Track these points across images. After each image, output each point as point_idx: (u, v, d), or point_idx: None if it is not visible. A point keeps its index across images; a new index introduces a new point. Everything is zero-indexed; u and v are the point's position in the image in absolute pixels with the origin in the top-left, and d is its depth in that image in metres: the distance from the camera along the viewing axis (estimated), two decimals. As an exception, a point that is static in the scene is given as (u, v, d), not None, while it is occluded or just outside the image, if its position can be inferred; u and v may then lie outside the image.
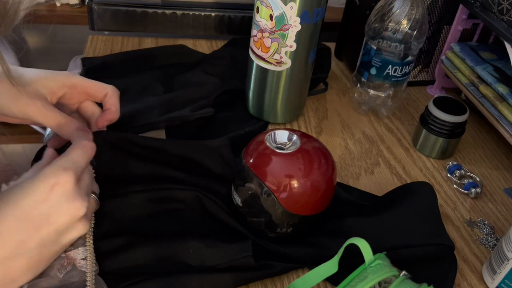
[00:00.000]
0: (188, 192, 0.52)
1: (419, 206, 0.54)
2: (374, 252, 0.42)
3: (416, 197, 0.55)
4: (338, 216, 0.54)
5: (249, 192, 0.49)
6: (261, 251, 0.49)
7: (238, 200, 0.51)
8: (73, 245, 0.45)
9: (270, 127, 0.71)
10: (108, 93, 0.57)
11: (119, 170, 0.53)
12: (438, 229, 0.52)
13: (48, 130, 0.64)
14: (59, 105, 0.55)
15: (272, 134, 0.51)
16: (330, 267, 0.43)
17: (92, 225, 0.46)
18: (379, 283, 0.41)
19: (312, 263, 0.50)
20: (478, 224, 0.60)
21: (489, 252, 0.56)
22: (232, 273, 0.46)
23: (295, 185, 0.48)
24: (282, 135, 0.51)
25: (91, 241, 0.45)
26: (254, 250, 0.48)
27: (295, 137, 0.51)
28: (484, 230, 0.59)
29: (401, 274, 0.42)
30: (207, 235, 0.50)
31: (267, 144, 0.49)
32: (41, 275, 0.43)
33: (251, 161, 0.49)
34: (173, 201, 0.52)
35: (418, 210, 0.53)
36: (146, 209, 0.50)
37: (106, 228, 0.48)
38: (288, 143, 0.50)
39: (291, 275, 0.50)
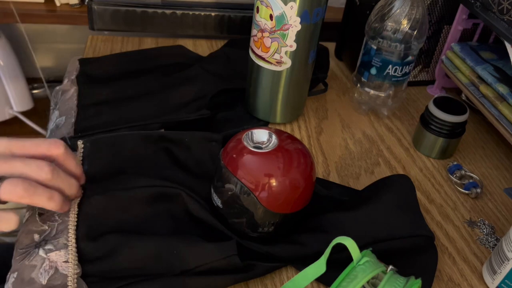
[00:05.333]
0: (172, 190, 0.51)
1: (398, 199, 0.54)
2: (357, 246, 0.42)
3: (394, 189, 0.55)
4: (318, 212, 0.54)
5: (229, 193, 0.48)
6: (244, 252, 0.48)
7: (218, 201, 0.50)
8: (56, 247, 0.45)
9: (270, 127, 0.71)
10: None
11: (105, 171, 0.53)
12: (418, 221, 0.53)
13: (49, 131, 0.64)
14: None
15: (249, 134, 0.50)
16: (318, 267, 0.43)
17: (75, 226, 0.46)
18: (368, 280, 0.41)
19: (297, 262, 0.50)
20: (478, 224, 0.60)
21: (489, 252, 0.56)
22: (217, 275, 0.46)
23: (274, 184, 0.47)
24: (259, 134, 0.51)
25: (74, 243, 0.45)
26: (237, 251, 0.47)
27: (272, 136, 0.50)
28: (484, 230, 0.59)
29: (389, 269, 0.42)
30: (190, 235, 0.50)
31: (245, 143, 0.49)
32: (24, 279, 0.43)
33: (229, 161, 0.49)
34: (157, 201, 0.51)
35: (397, 203, 0.53)
36: (129, 209, 0.50)
37: (88, 229, 0.47)
38: (265, 142, 0.50)
39: (280, 276, 0.50)
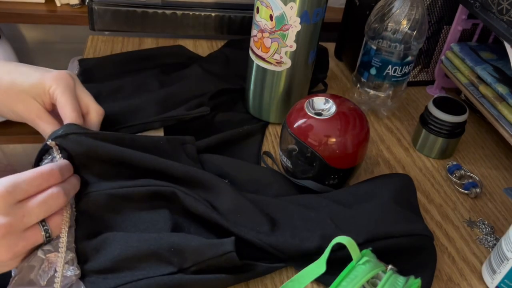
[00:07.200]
0: (166, 188, 0.51)
1: (399, 197, 0.55)
2: (356, 243, 0.42)
3: (395, 188, 0.56)
4: (318, 208, 0.54)
5: (296, 154, 0.57)
6: (244, 252, 0.48)
7: (287, 162, 0.59)
8: (54, 248, 0.45)
9: (270, 127, 0.71)
10: (90, 112, 0.55)
11: (97, 170, 0.52)
12: (417, 220, 0.53)
13: None
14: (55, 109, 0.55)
15: (310, 102, 0.58)
16: (317, 267, 0.43)
17: (67, 226, 0.45)
18: (368, 280, 0.41)
19: (296, 262, 0.50)
20: (478, 224, 0.60)
21: (489, 252, 0.56)
22: (215, 274, 0.46)
23: (335, 144, 0.55)
24: (318, 102, 0.58)
25: (64, 244, 0.44)
26: (237, 250, 0.47)
27: (330, 102, 0.58)
28: (484, 230, 0.59)
29: (388, 269, 0.42)
30: (188, 233, 0.50)
31: (306, 111, 0.57)
32: (24, 280, 0.42)
33: (294, 127, 0.57)
34: (154, 200, 0.51)
35: (397, 201, 0.54)
36: (125, 208, 0.50)
37: (85, 229, 0.47)
38: (324, 109, 0.58)
39: (280, 276, 0.51)
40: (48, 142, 0.49)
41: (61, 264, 0.43)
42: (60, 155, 0.49)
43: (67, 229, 0.45)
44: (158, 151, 0.57)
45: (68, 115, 0.52)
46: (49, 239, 0.44)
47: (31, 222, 0.42)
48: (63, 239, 0.44)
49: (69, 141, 0.49)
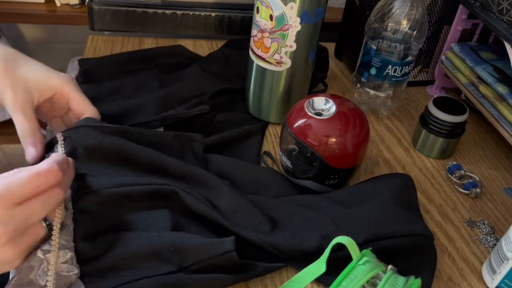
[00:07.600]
0: (167, 187, 0.51)
1: (399, 197, 0.55)
2: (356, 242, 0.42)
3: (396, 187, 0.56)
4: (319, 208, 0.54)
5: (296, 154, 0.58)
6: (244, 252, 0.48)
7: (287, 162, 0.60)
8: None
9: (270, 127, 0.71)
10: (85, 115, 0.55)
11: (102, 164, 0.52)
12: (418, 220, 0.53)
13: (48, 132, 0.63)
14: (44, 107, 0.55)
15: (311, 102, 0.58)
16: (317, 267, 0.43)
17: (59, 226, 0.45)
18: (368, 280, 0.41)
19: (296, 262, 0.50)
20: (478, 224, 0.60)
21: (489, 252, 0.56)
22: (215, 273, 0.46)
23: (335, 144, 0.55)
24: (318, 102, 0.58)
25: (57, 237, 0.44)
26: (237, 250, 0.47)
27: (330, 102, 0.58)
28: (484, 230, 0.59)
29: (388, 269, 0.42)
30: (188, 232, 0.50)
31: (306, 111, 0.57)
32: (23, 280, 0.42)
33: (294, 127, 0.57)
34: (154, 199, 0.51)
35: (397, 201, 0.54)
36: (125, 207, 0.50)
37: (85, 228, 0.47)
38: (325, 109, 0.58)
39: (280, 276, 0.51)
40: (57, 136, 0.50)
41: (54, 260, 0.43)
42: (63, 150, 0.49)
43: (58, 220, 0.44)
44: (164, 147, 0.57)
45: (89, 108, 0.56)
46: (50, 228, 0.43)
47: (35, 222, 0.42)
48: (56, 234, 0.44)
49: (79, 133, 0.50)
